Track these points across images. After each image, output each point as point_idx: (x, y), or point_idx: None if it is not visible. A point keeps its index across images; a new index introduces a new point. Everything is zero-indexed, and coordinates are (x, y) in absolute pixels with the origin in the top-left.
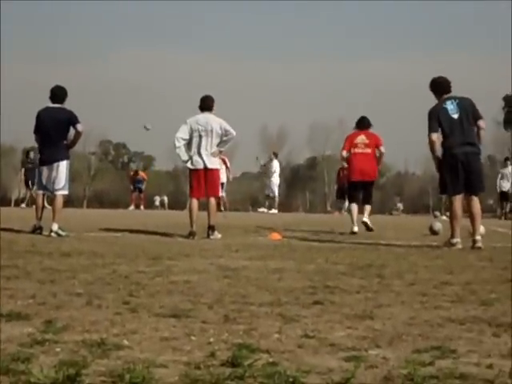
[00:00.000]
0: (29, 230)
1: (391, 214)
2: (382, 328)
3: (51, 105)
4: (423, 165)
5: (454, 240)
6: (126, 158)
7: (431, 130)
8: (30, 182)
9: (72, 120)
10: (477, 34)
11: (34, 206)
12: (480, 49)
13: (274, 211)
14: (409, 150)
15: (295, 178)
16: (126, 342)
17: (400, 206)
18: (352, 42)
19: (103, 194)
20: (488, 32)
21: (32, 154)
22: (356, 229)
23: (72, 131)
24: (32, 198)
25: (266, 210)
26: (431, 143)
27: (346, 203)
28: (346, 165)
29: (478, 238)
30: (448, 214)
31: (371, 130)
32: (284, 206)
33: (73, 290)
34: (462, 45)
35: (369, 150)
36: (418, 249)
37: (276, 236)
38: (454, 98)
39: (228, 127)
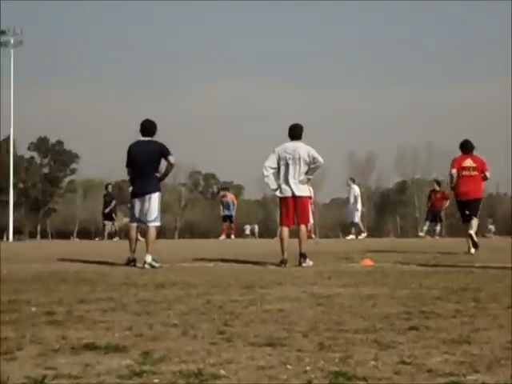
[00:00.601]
0: (123, 262)
1: (484, 236)
2: (479, 352)
3: (142, 138)
4: None
5: None
6: (215, 188)
7: None
8: (112, 215)
9: (164, 152)
10: None
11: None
12: None
13: (363, 235)
14: (499, 170)
15: (385, 203)
16: (222, 372)
17: (492, 227)
18: (436, 67)
19: (194, 224)
20: None
21: (110, 188)
22: (473, 250)
23: (163, 163)
24: (106, 228)
25: (354, 237)
26: None
27: (438, 227)
28: (436, 187)
29: None
30: None
31: (475, 153)
32: (374, 231)
33: (168, 321)
34: None
35: (476, 173)
36: None
37: (368, 262)
38: None
39: (316, 154)
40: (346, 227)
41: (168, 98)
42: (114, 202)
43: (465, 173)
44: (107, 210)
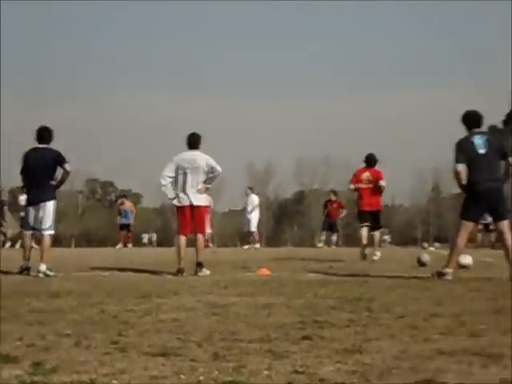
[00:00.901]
0: (16, 270)
1: (380, 246)
2: (371, 362)
3: (38, 145)
4: (410, 197)
5: (447, 270)
6: (113, 196)
7: (457, 161)
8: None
9: (59, 160)
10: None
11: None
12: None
13: (257, 246)
14: (396, 181)
15: (283, 213)
16: (115, 382)
17: (388, 238)
18: (336, 81)
19: (91, 233)
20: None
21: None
22: (367, 251)
23: (59, 171)
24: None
25: (250, 246)
26: (456, 174)
27: (334, 236)
28: (332, 197)
29: None
30: (436, 244)
31: (377, 166)
32: (272, 241)
33: (61, 331)
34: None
35: (372, 185)
36: (406, 281)
37: (265, 271)
38: (484, 133)
39: (214, 164)
40: (244, 236)
41: (66, 104)
42: (5, 208)
43: (362, 185)
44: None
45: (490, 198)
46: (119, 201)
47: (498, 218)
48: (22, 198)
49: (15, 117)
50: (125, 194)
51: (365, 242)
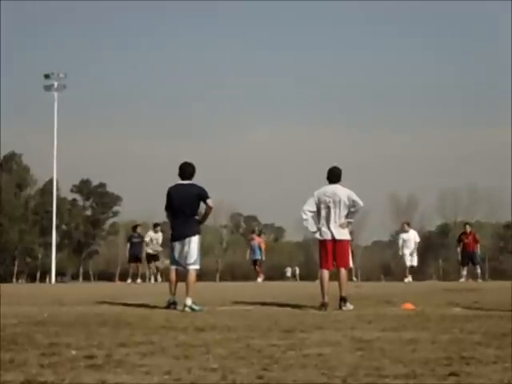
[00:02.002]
0: (164, 305)
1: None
2: None
3: (181, 181)
4: None
5: None
6: (256, 230)
7: None
8: (138, 256)
9: (202, 195)
10: None
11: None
12: None
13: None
14: None
15: (427, 246)
16: None
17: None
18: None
19: (235, 267)
20: None
21: (139, 229)
22: None
23: (202, 206)
24: (135, 271)
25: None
26: None
27: (478, 270)
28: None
29: None
30: None
31: None
32: (417, 274)
33: (207, 365)
34: None
35: None
36: None
37: (409, 306)
38: None
39: (356, 198)
40: (388, 269)
41: (208, 139)
42: (143, 243)
43: None
44: (144, 253)
45: None
46: (249, 236)
47: None
48: (150, 234)
49: (152, 152)
50: (253, 230)
51: None
